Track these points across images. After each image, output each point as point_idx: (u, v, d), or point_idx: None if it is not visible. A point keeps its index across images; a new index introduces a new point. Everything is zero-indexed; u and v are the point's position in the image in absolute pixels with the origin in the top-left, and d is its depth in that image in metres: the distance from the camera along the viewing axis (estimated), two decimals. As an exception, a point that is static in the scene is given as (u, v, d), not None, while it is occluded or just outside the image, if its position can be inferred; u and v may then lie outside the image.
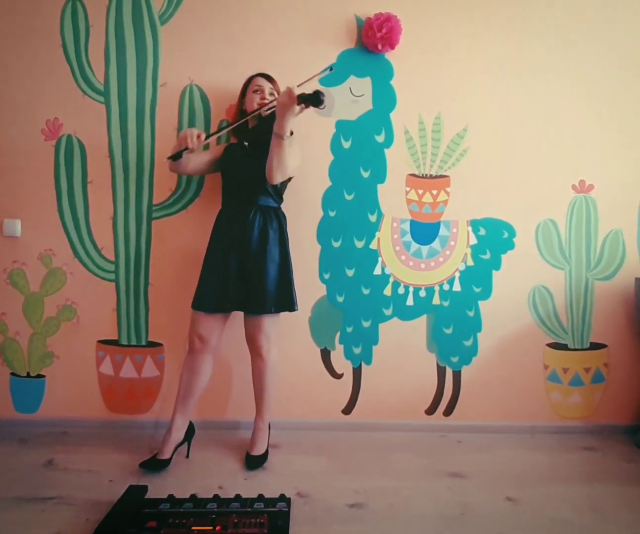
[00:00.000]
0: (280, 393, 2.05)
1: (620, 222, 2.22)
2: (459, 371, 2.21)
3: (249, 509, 1.44)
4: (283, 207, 1.94)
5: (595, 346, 2.24)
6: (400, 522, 1.50)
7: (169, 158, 1.78)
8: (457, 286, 2.18)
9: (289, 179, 1.88)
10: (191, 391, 1.82)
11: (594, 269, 2.22)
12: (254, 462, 1.81)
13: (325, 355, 2.18)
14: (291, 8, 2.10)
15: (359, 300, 2.16)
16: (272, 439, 1.96)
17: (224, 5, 2.09)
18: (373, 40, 2.04)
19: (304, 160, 2.02)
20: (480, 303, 2.19)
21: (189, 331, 1.83)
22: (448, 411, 2.22)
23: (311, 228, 2.14)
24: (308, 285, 2.14)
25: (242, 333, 1.88)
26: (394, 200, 2.15)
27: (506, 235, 2.19)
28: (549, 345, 2.23)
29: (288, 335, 2.13)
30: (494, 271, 2.19)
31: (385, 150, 2.14)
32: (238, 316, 1.89)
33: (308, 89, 1.58)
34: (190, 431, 1.88)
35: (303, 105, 1.57)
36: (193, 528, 1.35)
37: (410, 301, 2.18)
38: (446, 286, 2.18)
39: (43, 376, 2.13)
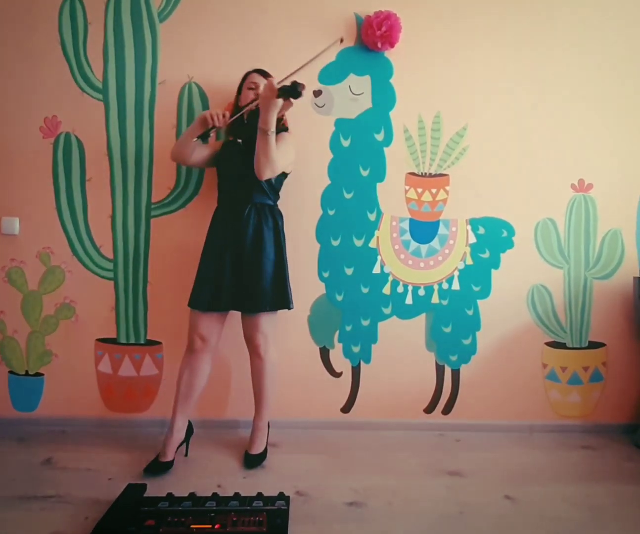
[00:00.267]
0: (279, 391, 2.05)
1: (619, 221, 2.22)
2: (458, 370, 2.21)
3: (248, 508, 1.44)
4: (282, 205, 1.93)
5: (593, 345, 2.24)
6: (399, 521, 1.50)
7: (198, 137, 1.75)
8: (456, 285, 2.18)
9: (285, 176, 1.88)
10: (191, 391, 1.81)
11: (592, 268, 2.23)
12: (253, 461, 1.81)
13: (324, 354, 2.18)
14: (291, 6, 2.10)
15: (358, 298, 2.16)
16: (271, 438, 1.96)
17: (223, 3, 2.08)
18: (373, 38, 2.04)
19: (303, 158, 2.02)
20: (479, 302, 2.20)
21: (189, 331, 1.82)
22: (447, 410, 2.22)
23: (310, 226, 2.14)
24: (307, 283, 2.14)
25: (241, 331, 1.88)
26: (393, 198, 2.15)
27: (505, 234, 2.19)
28: (548, 344, 2.23)
29: (287, 334, 2.13)
30: (493, 270, 2.20)
31: (385, 149, 2.14)
32: (237, 314, 1.88)
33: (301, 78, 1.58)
34: (189, 430, 1.88)
35: (285, 98, 1.57)
36: (192, 526, 1.35)
37: (409, 300, 2.18)
38: (445, 285, 2.18)
39: (42, 374, 2.13)
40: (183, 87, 2.09)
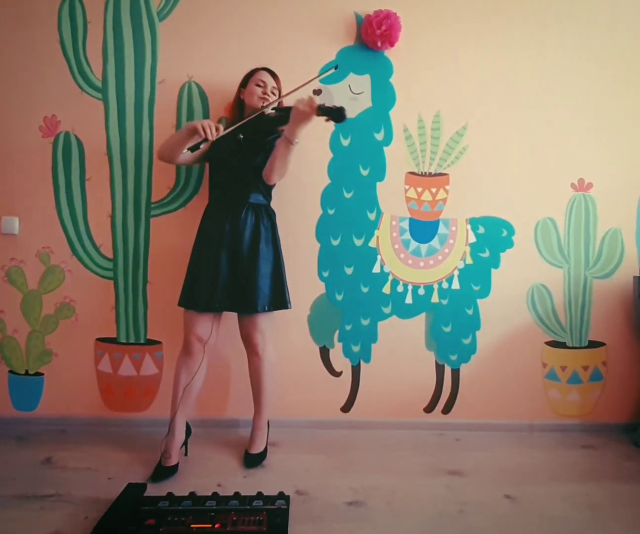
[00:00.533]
0: (279, 390, 2.05)
1: (619, 220, 2.22)
2: (458, 369, 2.22)
3: (248, 507, 1.44)
4: (282, 204, 1.94)
5: (593, 344, 2.24)
6: (399, 520, 1.50)
7: (189, 149, 1.70)
8: (456, 285, 2.18)
9: None
10: (190, 393, 1.79)
11: (592, 267, 2.23)
12: (253, 460, 1.81)
13: (324, 353, 2.18)
14: (291, 5, 2.09)
15: (358, 298, 2.16)
16: (271, 437, 1.96)
17: (223, 2, 2.08)
18: (372, 37, 2.03)
19: (303, 158, 2.02)
20: (479, 301, 2.20)
21: (185, 332, 1.80)
22: (446, 409, 2.22)
23: (310, 226, 2.14)
24: (307, 283, 2.14)
25: (239, 330, 1.87)
26: (393, 198, 2.15)
27: (505, 233, 2.19)
28: (548, 343, 2.23)
29: (287, 333, 2.13)
30: (492, 270, 2.19)
31: (385, 148, 2.14)
32: (234, 313, 1.88)
33: (327, 99, 1.61)
34: (187, 430, 1.87)
35: (325, 117, 1.58)
36: (192, 525, 1.35)
37: (409, 300, 2.18)
38: (445, 285, 2.18)
39: (41, 374, 2.13)
40: (183, 87, 2.09)
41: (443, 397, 2.22)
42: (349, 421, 2.18)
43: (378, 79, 2.13)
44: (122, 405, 2.15)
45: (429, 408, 2.22)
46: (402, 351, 2.18)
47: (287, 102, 1.80)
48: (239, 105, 1.90)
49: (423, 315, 2.19)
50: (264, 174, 1.73)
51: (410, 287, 2.18)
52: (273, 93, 1.85)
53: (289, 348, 2.14)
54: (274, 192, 1.92)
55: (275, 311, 1.85)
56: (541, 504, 1.60)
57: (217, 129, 1.66)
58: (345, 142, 2.13)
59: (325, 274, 2.16)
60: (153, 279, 2.13)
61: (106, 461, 1.80)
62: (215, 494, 1.51)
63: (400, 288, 2.17)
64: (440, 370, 2.21)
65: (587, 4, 2.16)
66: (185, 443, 1.85)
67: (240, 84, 1.90)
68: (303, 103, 1.59)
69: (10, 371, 2.13)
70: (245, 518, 1.38)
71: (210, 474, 1.73)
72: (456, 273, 2.18)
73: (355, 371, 2.20)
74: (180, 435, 1.79)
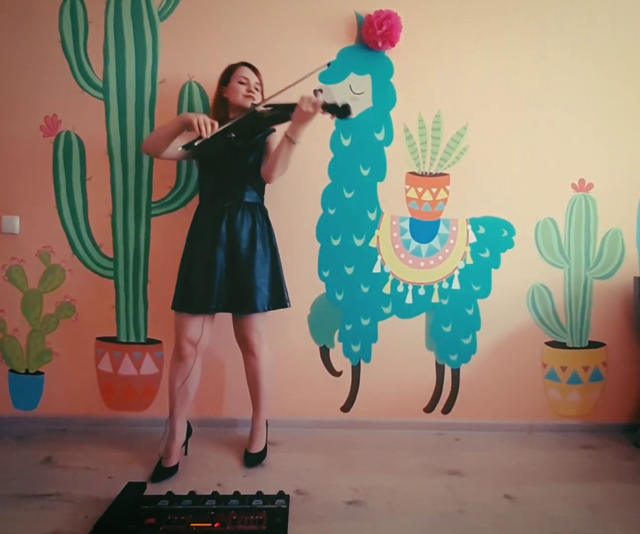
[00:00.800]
0: (279, 390, 2.05)
1: (620, 221, 2.22)
2: (458, 370, 2.21)
3: (248, 507, 1.44)
4: (282, 204, 1.94)
5: (593, 344, 2.24)
6: (399, 519, 1.50)
7: (184, 147, 1.63)
8: (456, 285, 2.18)
9: None
10: (186, 395, 1.77)
11: (593, 268, 2.23)
12: (252, 459, 1.81)
13: (324, 353, 2.19)
14: (292, 5, 2.09)
15: (358, 298, 2.16)
16: (270, 436, 1.96)
17: (224, 1, 2.08)
18: (373, 37, 2.03)
19: (303, 157, 2.01)
20: (480, 301, 2.20)
21: (176, 336, 1.76)
22: (446, 409, 2.22)
23: (310, 225, 2.14)
24: (307, 282, 2.14)
25: (231, 330, 1.86)
26: (393, 198, 2.15)
27: (505, 233, 2.19)
28: (548, 344, 2.23)
29: (287, 333, 2.13)
30: (493, 270, 2.19)
31: (385, 148, 2.14)
32: (227, 314, 1.86)
33: (328, 95, 1.59)
34: (188, 430, 1.87)
35: (329, 114, 1.57)
36: (192, 525, 1.36)
37: (409, 300, 2.18)
38: (445, 285, 2.18)
39: (42, 373, 2.13)
40: (183, 86, 2.09)
41: (443, 397, 2.22)
42: (349, 421, 2.18)
43: (379, 79, 2.13)
44: (122, 404, 2.15)
45: (429, 408, 2.22)
46: (402, 351, 2.18)
47: (277, 99, 1.75)
48: (222, 103, 1.83)
49: (423, 315, 2.19)
50: (264, 173, 1.71)
51: (410, 287, 2.18)
52: (256, 89, 1.82)
53: (289, 347, 2.14)
54: (273, 192, 1.92)
55: (275, 312, 1.83)
56: (541, 504, 1.60)
57: (212, 126, 1.59)
58: (346, 142, 2.13)
59: (326, 274, 2.16)
60: (153, 278, 2.13)
61: (106, 461, 1.80)
62: (215, 493, 1.51)
63: (400, 288, 2.17)
64: (440, 369, 2.21)
65: (587, 4, 2.16)
66: (185, 443, 1.85)
67: (221, 82, 1.84)
68: (306, 103, 1.57)
69: (11, 371, 2.13)
70: (245, 517, 1.39)
71: (210, 473, 1.74)
72: (456, 273, 2.18)
73: (356, 371, 2.20)
74: (180, 436, 1.79)
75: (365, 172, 2.14)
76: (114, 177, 2.10)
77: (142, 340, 2.14)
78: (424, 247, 2.17)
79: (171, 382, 1.78)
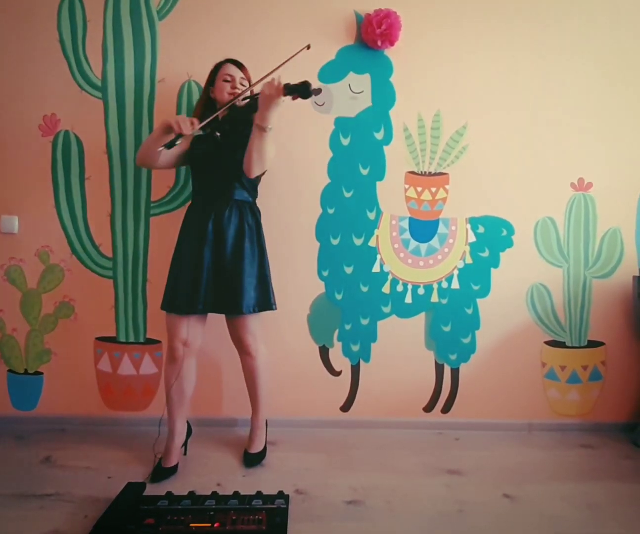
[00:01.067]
0: (278, 390, 2.05)
1: (619, 220, 2.22)
2: (457, 369, 2.22)
3: (247, 507, 1.44)
4: (281, 203, 1.93)
5: (592, 344, 2.24)
6: (398, 519, 1.50)
7: (164, 146, 1.63)
8: (455, 284, 2.18)
9: (263, 173, 1.81)
10: (183, 396, 1.77)
11: (592, 267, 2.23)
12: (252, 459, 1.81)
13: (324, 353, 2.18)
14: (291, 4, 2.09)
15: (358, 297, 2.16)
16: (270, 436, 1.96)
17: (223, 0, 2.07)
18: (372, 36, 2.03)
19: (302, 157, 2.02)
20: (479, 300, 2.20)
21: (168, 338, 1.75)
22: (446, 409, 2.22)
23: (310, 225, 2.14)
24: (307, 282, 2.14)
25: (226, 328, 1.84)
26: (392, 197, 2.15)
27: (505, 232, 2.19)
28: (547, 343, 2.23)
29: (286, 332, 2.13)
30: (492, 269, 2.20)
31: (384, 148, 2.14)
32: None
33: (294, 79, 1.54)
34: (188, 430, 1.87)
35: (291, 96, 1.54)
36: (191, 525, 1.35)
37: (408, 299, 2.18)
38: (445, 284, 2.18)
39: (41, 373, 2.13)
40: (182, 86, 2.08)
41: (442, 396, 2.22)
42: (349, 421, 2.18)
43: (378, 78, 2.13)
44: (121, 404, 2.15)
45: (429, 408, 2.22)
46: (401, 350, 2.18)
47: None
48: (209, 103, 1.82)
49: (422, 315, 2.19)
50: (244, 167, 1.67)
51: (409, 286, 2.18)
52: (242, 85, 1.79)
53: (288, 347, 2.14)
54: (273, 192, 1.92)
55: (274, 312, 1.82)
56: (540, 504, 1.61)
57: (192, 123, 1.59)
58: (345, 141, 2.13)
59: (325, 273, 2.16)
60: (152, 278, 2.13)
61: (105, 461, 1.80)
62: (214, 493, 1.51)
63: (399, 288, 2.17)
64: (439, 369, 2.21)
65: (587, 4, 2.16)
66: (185, 443, 1.85)
67: (208, 82, 1.83)
68: (269, 87, 1.54)
69: (10, 371, 2.13)
70: (244, 517, 1.39)
71: (210, 473, 1.74)
72: (456, 272, 2.18)
73: (355, 370, 2.20)
74: (179, 437, 1.79)
75: (364, 172, 2.14)
76: (112, 176, 2.10)
77: (142, 340, 2.14)
78: (423, 247, 2.17)
79: (167, 384, 1.77)
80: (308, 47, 1.64)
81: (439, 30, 2.13)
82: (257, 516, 1.39)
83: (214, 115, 1.69)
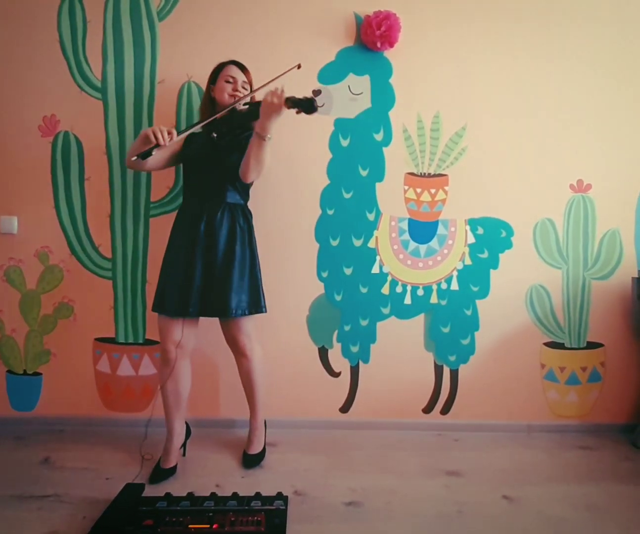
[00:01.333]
0: (277, 391, 2.05)
1: (618, 221, 2.22)
2: (457, 370, 2.22)
3: (246, 508, 1.44)
4: (281, 204, 1.93)
5: (592, 345, 2.24)
6: (397, 520, 1.50)
7: (138, 156, 1.57)
8: (454, 285, 2.18)
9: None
10: (180, 398, 1.76)
11: (591, 268, 2.23)
12: (251, 460, 1.81)
13: (323, 354, 2.18)
14: (291, 5, 2.09)
15: (357, 298, 2.16)
16: (269, 437, 1.96)
17: (223, 1, 2.08)
18: (372, 38, 2.03)
19: (302, 158, 2.02)
20: (478, 302, 2.20)
21: (161, 341, 1.74)
22: (445, 410, 2.22)
23: (309, 226, 2.14)
24: (306, 283, 2.14)
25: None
26: (392, 198, 2.15)
27: (504, 234, 2.19)
28: (546, 344, 2.23)
29: (286, 333, 2.13)
30: (491, 270, 2.20)
31: (384, 149, 2.14)
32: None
33: (295, 83, 1.55)
34: (187, 431, 1.87)
35: (295, 109, 1.55)
36: (190, 526, 1.35)
37: (408, 300, 2.18)
38: (444, 285, 2.18)
39: (40, 374, 2.13)
40: (182, 87, 2.09)
41: (442, 398, 2.22)
42: (348, 422, 2.18)
43: (377, 80, 2.13)
44: (120, 405, 2.14)
45: (428, 409, 2.22)
46: (400, 351, 2.18)
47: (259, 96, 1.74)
48: (210, 103, 1.81)
49: (422, 316, 2.19)
50: (240, 172, 1.66)
51: (409, 288, 2.18)
52: (244, 88, 1.79)
53: (287, 348, 2.14)
54: (272, 193, 1.92)
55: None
56: (539, 505, 1.60)
57: (169, 133, 1.56)
58: (345, 143, 2.13)
59: (324, 274, 2.16)
60: (152, 279, 2.12)
61: (104, 462, 1.80)
62: (213, 494, 1.51)
63: (399, 289, 2.17)
64: (439, 370, 2.21)
65: (588, 5, 2.17)
66: (184, 444, 1.85)
67: (209, 81, 1.82)
68: (271, 96, 1.54)
69: (9, 371, 2.13)
70: (243, 519, 1.38)
71: (209, 474, 1.73)
72: (455, 273, 2.18)
73: (354, 371, 2.20)
74: (178, 438, 1.79)
75: (364, 173, 2.14)
76: (112, 177, 2.10)
77: (141, 341, 2.14)
78: (423, 248, 2.17)
79: (162, 389, 1.76)
80: (299, 66, 1.65)
81: (439, 32, 2.13)
82: (256, 517, 1.39)
83: (195, 124, 1.68)
